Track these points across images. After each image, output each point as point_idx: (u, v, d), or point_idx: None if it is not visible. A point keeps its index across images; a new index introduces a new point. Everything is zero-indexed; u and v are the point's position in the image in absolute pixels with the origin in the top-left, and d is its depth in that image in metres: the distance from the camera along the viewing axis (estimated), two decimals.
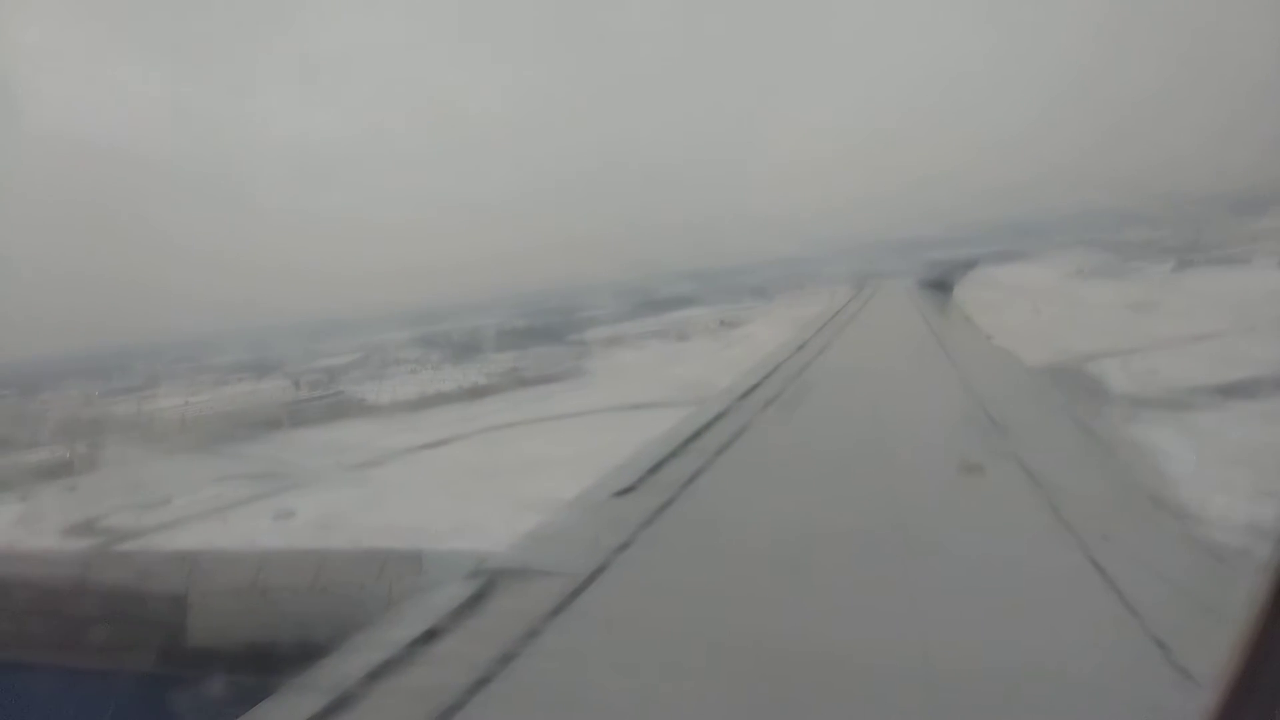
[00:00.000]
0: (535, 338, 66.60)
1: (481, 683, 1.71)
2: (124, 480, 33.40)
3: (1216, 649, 1.06)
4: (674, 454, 3.51)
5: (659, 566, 2.43)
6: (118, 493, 31.67)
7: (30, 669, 2.82)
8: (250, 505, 27.83)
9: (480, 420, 35.74)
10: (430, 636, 1.96)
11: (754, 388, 5.08)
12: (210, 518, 25.97)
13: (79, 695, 2.79)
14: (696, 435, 3.84)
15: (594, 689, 1.77)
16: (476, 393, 41.01)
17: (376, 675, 1.77)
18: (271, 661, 2.44)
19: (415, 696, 1.69)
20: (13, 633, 2.90)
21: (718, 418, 4.18)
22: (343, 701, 1.68)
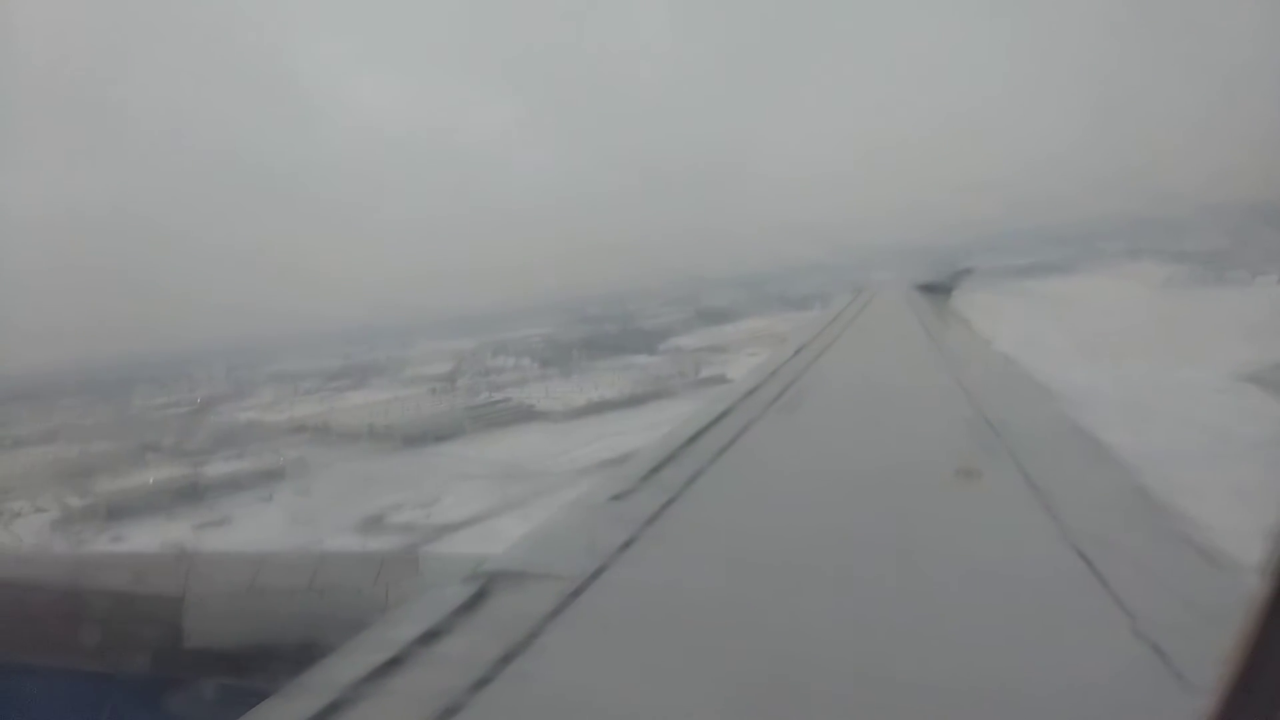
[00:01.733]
0: (616, 347, 68.06)
1: (480, 685, 1.73)
2: (355, 481, 33.98)
3: (1214, 654, 1.06)
4: (671, 458, 3.48)
5: (656, 569, 2.45)
6: (362, 493, 32.24)
7: (24, 672, 2.73)
8: (532, 504, 29.05)
9: (661, 427, 37.21)
10: (428, 638, 1.97)
11: (751, 391, 4.94)
12: (506, 514, 26.90)
13: (73, 698, 2.73)
14: (692, 440, 3.79)
15: (592, 691, 1.80)
16: (635, 400, 42.58)
17: (374, 677, 1.78)
18: (268, 663, 2.44)
19: (413, 699, 1.71)
20: (8, 634, 2.85)
21: (714, 422, 4.14)
22: (340, 704, 1.69)
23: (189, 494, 34.98)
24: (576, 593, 2.15)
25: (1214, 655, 1.04)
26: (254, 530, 29.87)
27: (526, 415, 40.73)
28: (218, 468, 37.66)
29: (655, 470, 3.29)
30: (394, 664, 1.84)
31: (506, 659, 1.82)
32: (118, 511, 33.21)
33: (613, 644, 2.00)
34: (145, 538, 29.69)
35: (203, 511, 32.27)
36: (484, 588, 2.20)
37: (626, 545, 2.51)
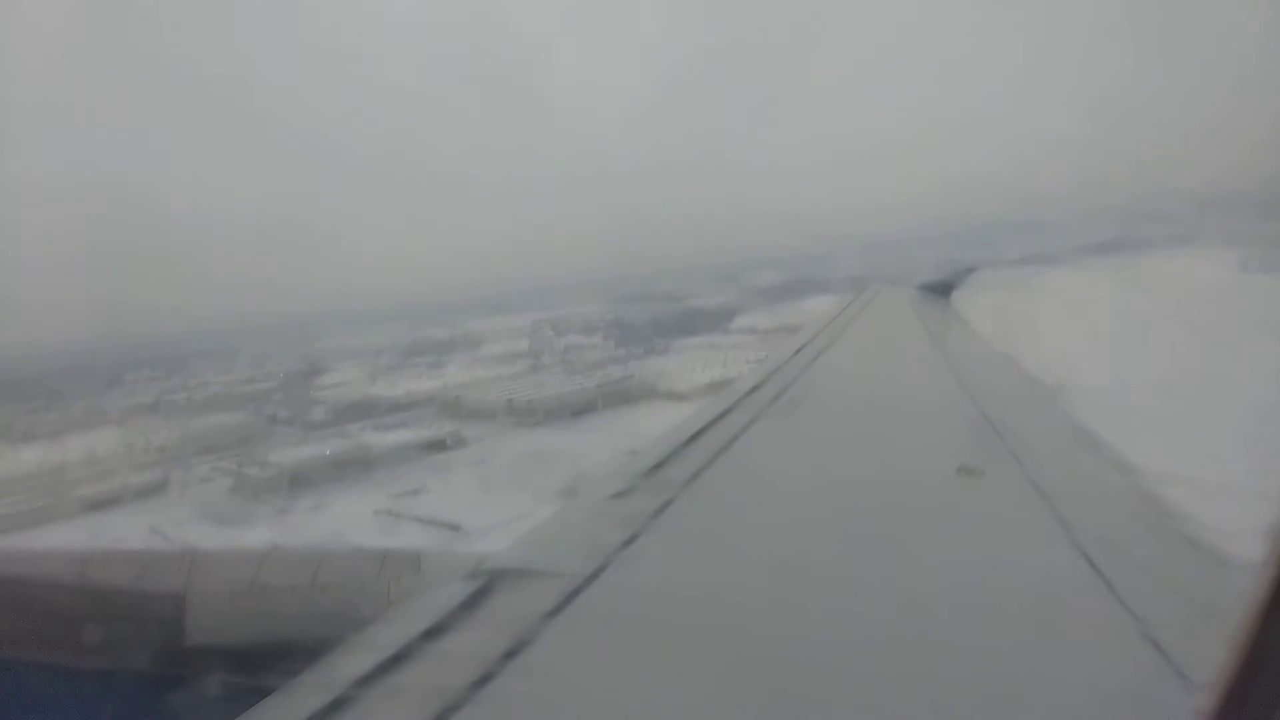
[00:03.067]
0: (684, 326, 69.88)
1: (481, 682, 1.68)
2: (521, 452, 35.95)
3: (1214, 651, 1.08)
4: (672, 456, 3.49)
5: (657, 568, 2.46)
6: (536, 463, 34.16)
7: (31, 667, 2.69)
8: None
9: None
10: (429, 636, 1.93)
11: (752, 390, 4.87)
12: None
13: (79, 693, 2.71)
14: (693, 438, 3.76)
15: (592, 689, 1.75)
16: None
17: (375, 675, 1.73)
18: (271, 660, 2.42)
19: (414, 696, 1.65)
20: (13, 631, 2.78)
21: (715, 420, 4.07)
22: (341, 701, 1.63)
23: (361, 465, 36.53)
24: (577, 591, 2.13)
25: (1215, 654, 1.06)
26: (451, 498, 31.81)
27: (651, 392, 42.74)
28: (381, 439, 39.36)
29: (656, 468, 3.25)
30: (396, 661, 1.81)
31: (508, 656, 1.80)
32: (300, 481, 34.85)
33: (613, 642, 1.98)
34: (343, 507, 31.60)
35: (383, 482, 33.83)
36: (485, 585, 2.18)
37: (627, 543, 2.48)
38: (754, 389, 4.96)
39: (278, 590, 2.74)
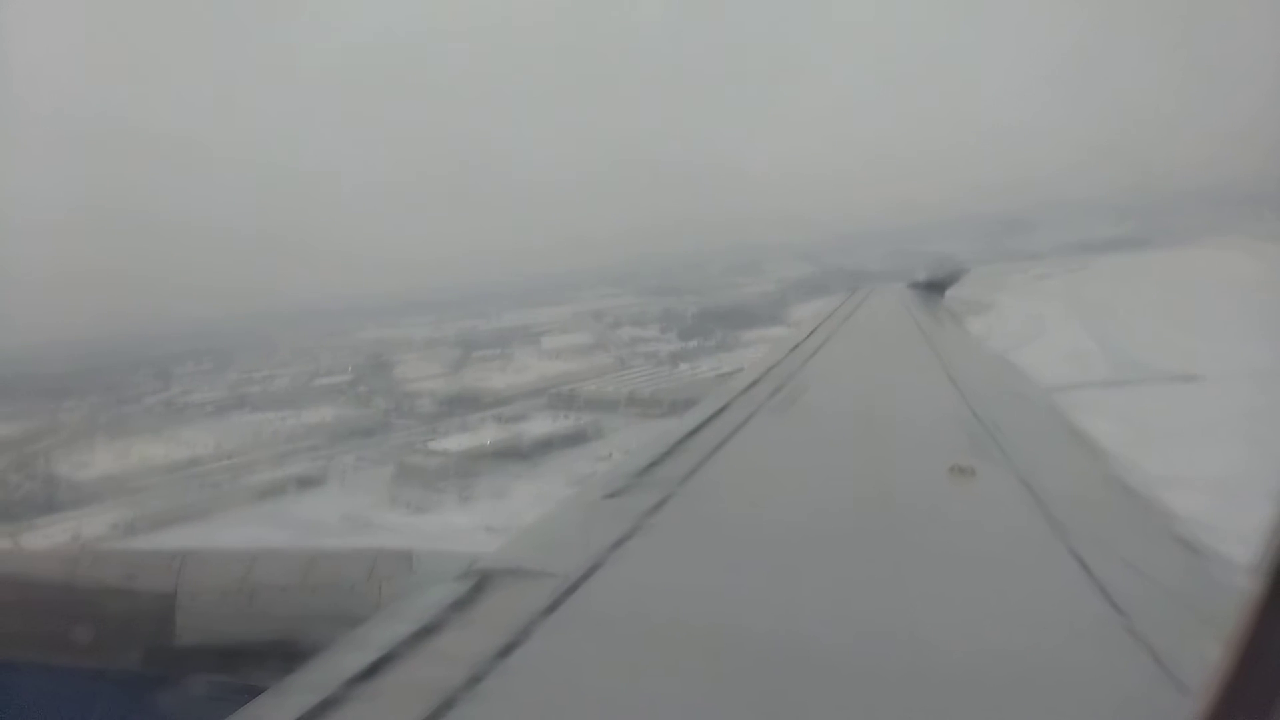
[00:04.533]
0: (739, 318, 71.34)
1: (473, 682, 1.67)
2: None
3: (1205, 653, 1.08)
4: (665, 455, 3.46)
5: (651, 567, 2.38)
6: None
7: (19, 667, 2.60)
8: None
9: None
10: (421, 636, 1.89)
11: (745, 389, 4.91)
12: None
13: (68, 693, 2.68)
14: (687, 437, 3.77)
15: (586, 687, 1.76)
16: None
17: (365, 675, 1.72)
18: (261, 660, 2.40)
19: (405, 697, 1.66)
20: (2, 631, 2.72)
21: (708, 420, 4.11)
22: (331, 702, 1.63)
23: (516, 454, 37.67)
24: (570, 590, 2.12)
25: (1206, 654, 1.06)
26: None
27: None
28: (520, 429, 40.45)
29: (650, 468, 3.27)
30: (386, 661, 1.80)
31: (500, 656, 1.78)
32: (465, 470, 35.99)
33: (605, 642, 1.98)
34: (527, 491, 32.89)
35: (550, 470, 35.00)
36: (477, 585, 2.17)
37: (621, 542, 2.48)
38: (747, 388, 4.86)
39: (268, 590, 2.71)
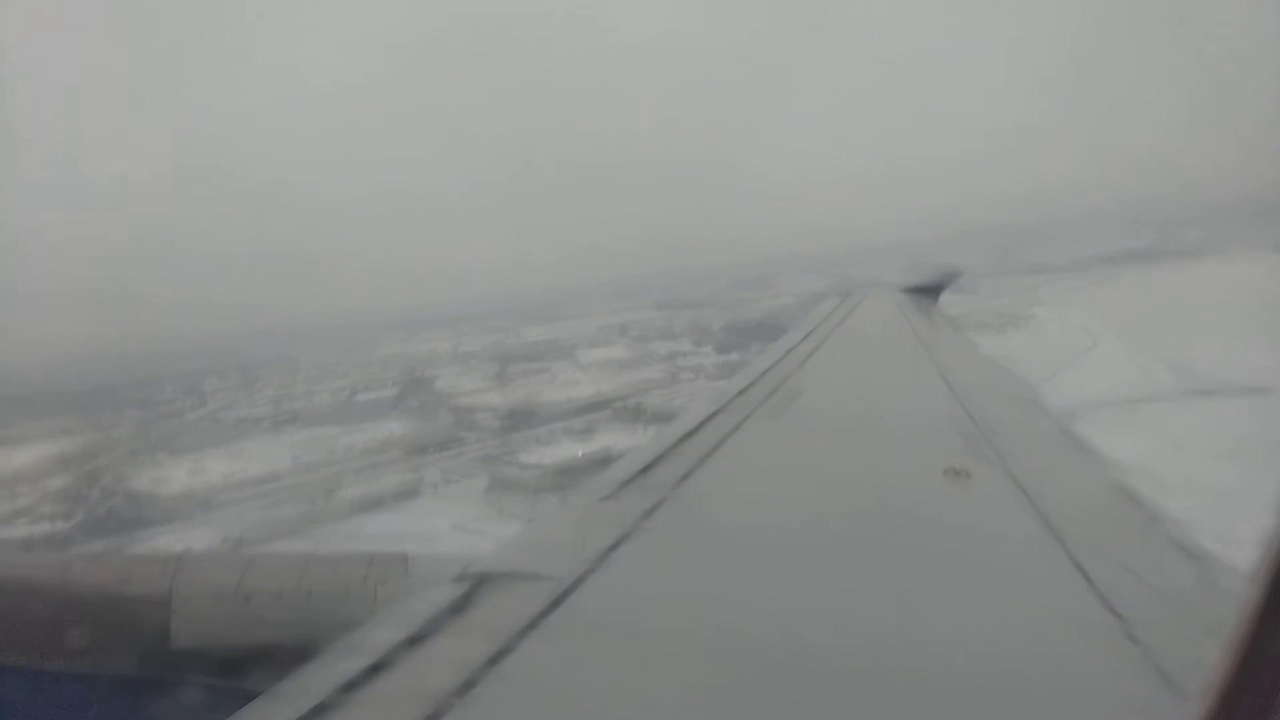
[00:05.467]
0: (771, 331, 72.82)
1: (467, 687, 1.66)
2: None
3: (1203, 657, 1.07)
4: (659, 459, 3.35)
5: (646, 571, 2.37)
6: None
7: (13, 671, 2.63)
8: None
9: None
10: (415, 640, 1.89)
11: (739, 393, 4.78)
12: None
13: (62, 698, 2.65)
14: (681, 441, 3.65)
15: (579, 692, 1.75)
16: None
17: (360, 680, 1.72)
18: (256, 665, 2.39)
19: (399, 702, 1.65)
20: None
21: (702, 424, 3.99)
22: (325, 707, 1.62)
23: (606, 466, 38.50)
24: (565, 594, 2.11)
25: (1203, 659, 1.06)
26: None
27: None
28: (607, 441, 41.26)
29: (644, 472, 3.23)
30: (381, 666, 1.80)
31: (494, 660, 1.78)
32: (561, 482, 36.67)
33: (601, 646, 1.97)
34: None
35: None
36: (472, 589, 2.17)
37: (615, 546, 2.45)
38: (741, 392, 4.82)
39: (263, 594, 2.66)
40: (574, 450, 40.63)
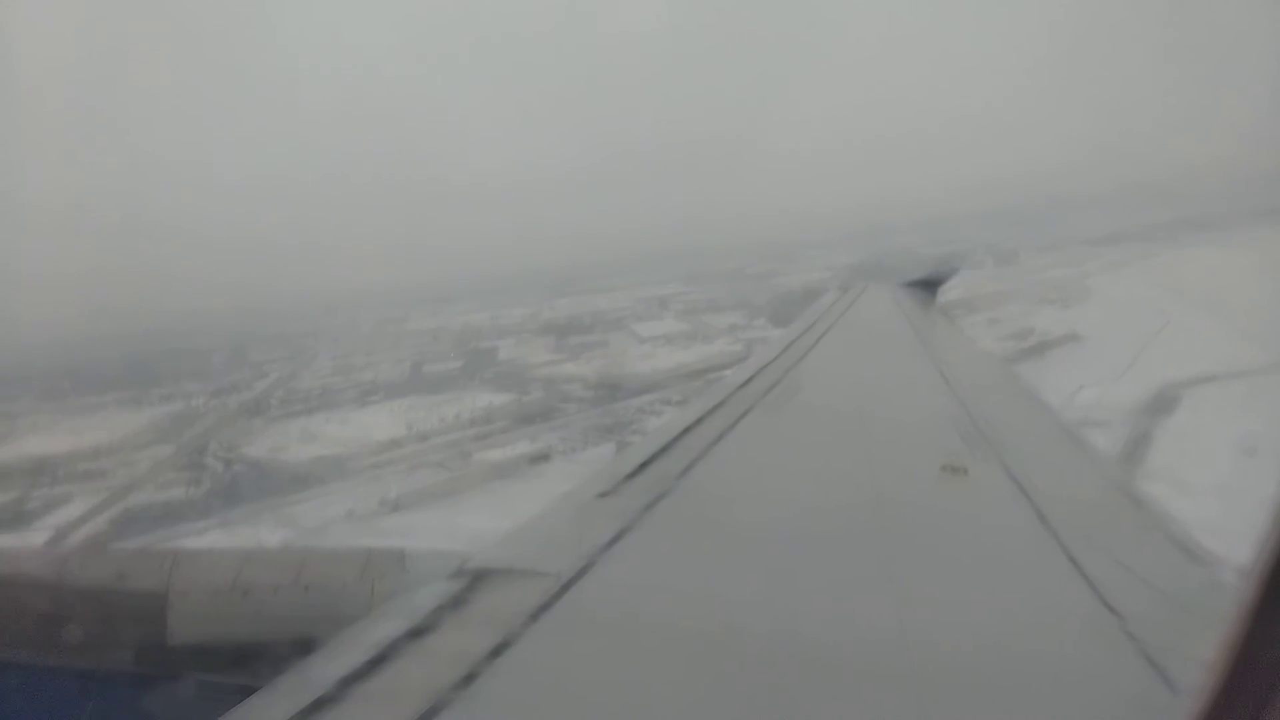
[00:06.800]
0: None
1: (465, 682, 1.67)
2: None
3: (1199, 653, 1.09)
4: (658, 454, 3.27)
5: (644, 566, 2.38)
6: None
7: (9, 667, 2.65)
8: None
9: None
10: (413, 635, 1.90)
11: (736, 389, 4.67)
12: None
13: (58, 693, 2.66)
14: (679, 437, 3.56)
15: (579, 687, 1.76)
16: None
17: (357, 675, 1.72)
18: (253, 660, 2.41)
19: (397, 696, 1.66)
20: None
21: (701, 419, 3.88)
22: (323, 701, 1.63)
23: None
24: (563, 589, 2.12)
25: (1199, 654, 1.07)
26: None
27: None
28: None
29: (642, 467, 3.21)
30: (378, 661, 1.81)
31: (492, 656, 1.79)
32: None
33: (598, 640, 1.98)
34: None
35: None
36: (470, 584, 2.19)
37: (613, 541, 2.48)
38: (740, 387, 4.84)
39: (260, 589, 2.70)
40: None
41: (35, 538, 35.98)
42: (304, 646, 2.17)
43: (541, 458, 39.24)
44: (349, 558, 2.81)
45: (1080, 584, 2.32)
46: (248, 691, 1.83)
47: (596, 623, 2.07)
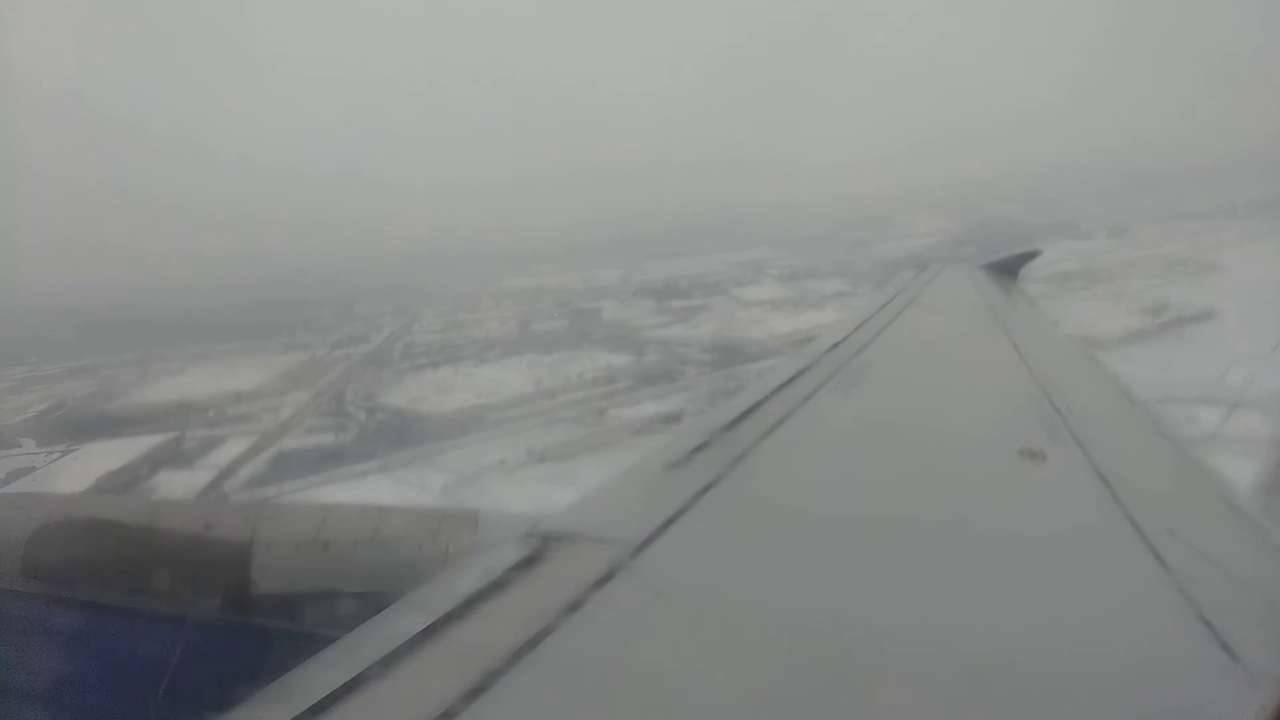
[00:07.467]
0: None
1: (535, 640, 1.73)
2: None
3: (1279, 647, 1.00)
4: (726, 429, 3.34)
5: (709, 539, 2.40)
6: None
7: (100, 609, 2.64)
8: None
9: None
10: (481, 597, 1.96)
11: (807, 367, 4.67)
12: None
13: (147, 636, 2.65)
14: (747, 412, 3.59)
15: (639, 654, 1.80)
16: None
17: (427, 634, 1.79)
18: (331, 611, 2.54)
19: (468, 651, 1.72)
20: (87, 572, 2.78)
21: (769, 396, 3.92)
22: (394, 656, 1.70)
23: None
24: (628, 557, 2.15)
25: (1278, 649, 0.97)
26: None
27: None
28: None
29: (709, 442, 3.20)
30: (451, 618, 1.86)
31: (563, 614, 1.84)
32: None
33: (663, 608, 2.00)
34: None
35: None
36: (538, 548, 2.22)
37: (680, 513, 2.47)
38: (808, 366, 4.78)
39: (340, 544, 2.74)
40: None
41: (200, 477, 38.38)
42: (380, 599, 2.23)
43: (674, 418, 39.68)
44: (424, 516, 2.86)
45: (1161, 575, 2.26)
46: (326, 640, 1.88)
47: (662, 592, 2.08)
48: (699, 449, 3.10)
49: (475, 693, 1.58)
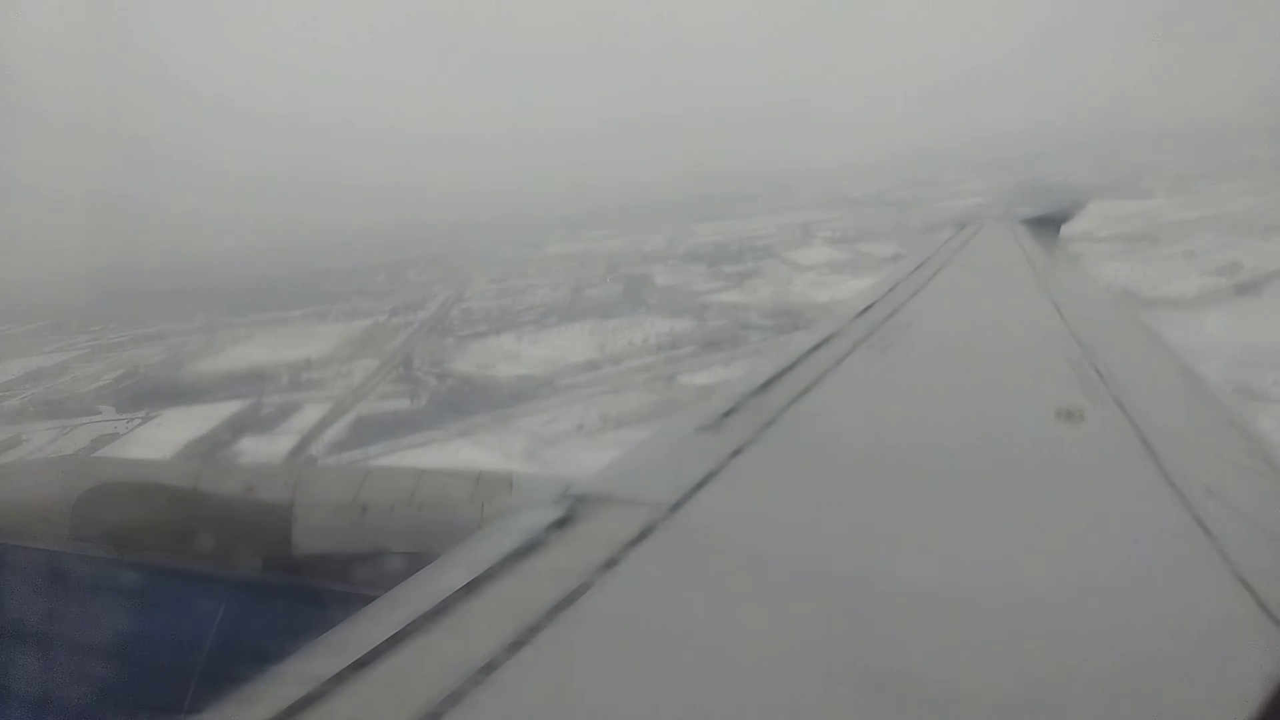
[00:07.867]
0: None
1: (566, 602, 1.76)
2: None
3: None
4: (758, 391, 3.35)
5: (741, 501, 2.39)
6: None
7: (145, 568, 2.77)
8: None
9: None
10: (515, 557, 1.99)
11: (842, 327, 4.65)
12: None
13: (192, 595, 2.78)
14: (781, 374, 3.59)
15: (673, 614, 1.80)
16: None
17: (469, 589, 1.83)
18: (370, 571, 2.57)
19: (505, 610, 1.75)
20: (132, 533, 2.85)
21: (803, 357, 3.93)
22: (438, 611, 1.75)
23: None
24: (662, 519, 2.16)
25: None
26: None
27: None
28: None
29: (743, 402, 3.23)
30: (488, 577, 1.89)
31: (593, 578, 1.86)
32: None
33: (696, 569, 2.01)
34: None
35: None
36: (571, 510, 2.24)
37: (713, 475, 2.47)
38: (845, 325, 4.69)
39: (378, 506, 2.81)
40: None
41: (283, 442, 39.62)
42: (417, 560, 2.29)
43: None
44: (460, 478, 2.91)
45: (1201, 538, 2.22)
46: (366, 600, 1.92)
47: (696, 552, 2.10)
48: (734, 410, 3.12)
49: (517, 645, 1.62)
